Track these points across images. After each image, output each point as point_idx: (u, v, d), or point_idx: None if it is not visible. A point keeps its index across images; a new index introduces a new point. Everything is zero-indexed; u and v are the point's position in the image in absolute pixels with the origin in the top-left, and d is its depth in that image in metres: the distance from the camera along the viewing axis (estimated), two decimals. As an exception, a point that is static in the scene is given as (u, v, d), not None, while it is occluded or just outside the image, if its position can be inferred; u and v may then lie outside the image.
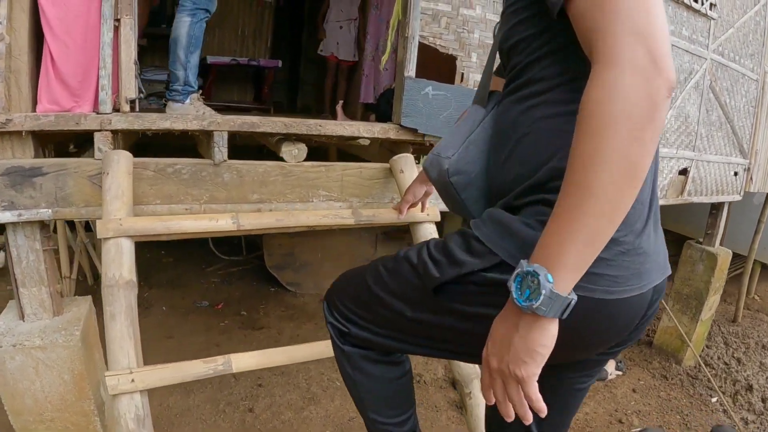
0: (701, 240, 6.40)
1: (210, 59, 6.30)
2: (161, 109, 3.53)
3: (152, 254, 6.94)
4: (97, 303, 2.63)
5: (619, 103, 0.91)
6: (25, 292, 2.71)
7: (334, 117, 6.05)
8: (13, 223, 2.59)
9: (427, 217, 2.78)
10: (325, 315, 1.68)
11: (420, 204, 2.61)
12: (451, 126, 3.04)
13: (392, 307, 1.43)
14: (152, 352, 4.47)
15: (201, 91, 6.32)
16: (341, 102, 4.06)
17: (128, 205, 2.38)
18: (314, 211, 2.61)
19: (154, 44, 5.98)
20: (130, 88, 2.66)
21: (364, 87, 5.92)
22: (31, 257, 2.68)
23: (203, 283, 6.34)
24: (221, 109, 6.10)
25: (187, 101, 3.25)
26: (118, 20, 2.59)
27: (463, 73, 3.26)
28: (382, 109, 4.08)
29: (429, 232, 2.78)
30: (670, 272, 1.26)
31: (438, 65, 3.10)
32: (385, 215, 2.73)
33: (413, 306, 1.38)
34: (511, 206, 1.24)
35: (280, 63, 6.71)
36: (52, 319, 2.77)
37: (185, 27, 3.23)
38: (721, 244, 6.46)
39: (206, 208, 2.78)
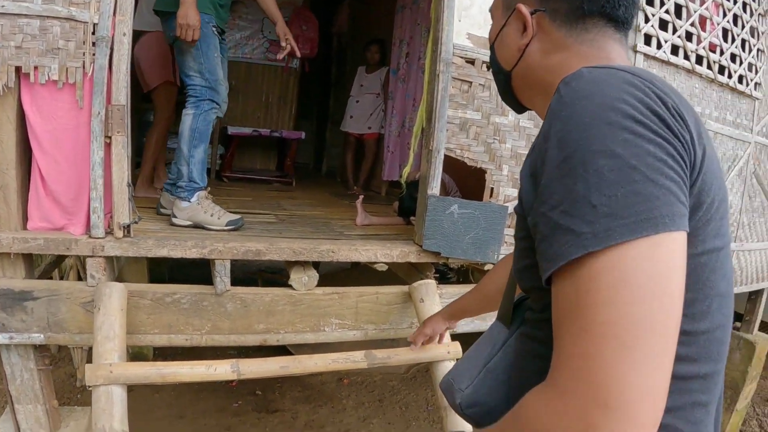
0: (738, 326, 6.03)
1: (231, 130, 6.12)
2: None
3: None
4: None
5: None
6: (20, 408, 2.63)
7: (357, 189, 5.96)
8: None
9: (448, 355, 2.53)
10: None
11: (438, 337, 2.37)
12: (478, 246, 2.80)
13: None
14: (164, 435, 4.21)
15: (220, 163, 6.25)
16: (361, 197, 3.82)
17: (121, 348, 2.22)
18: (323, 355, 2.37)
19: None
20: (124, 212, 2.46)
21: (389, 164, 5.71)
22: (26, 376, 2.58)
23: (219, 355, 6.10)
24: (240, 180, 6.07)
25: (194, 199, 3.04)
26: (109, 137, 2.41)
27: (492, 188, 3.00)
28: (406, 204, 3.85)
29: (451, 371, 2.51)
30: None
31: (463, 176, 2.85)
32: (403, 355, 2.48)
33: None
34: None
35: (303, 135, 6.51)
36: (48, 437, 2.69)
37: (188, 120, 3.05)
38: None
39: (208, 339, 2.58)
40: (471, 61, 2.90)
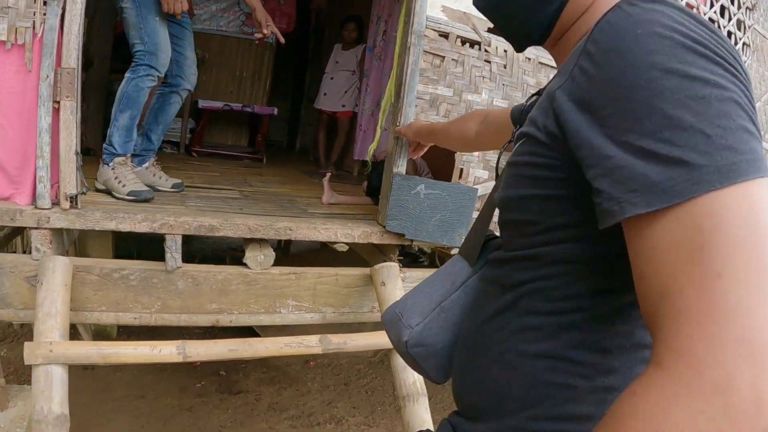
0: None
1: (201, 103, 5.95)
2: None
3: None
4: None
5: None
6: None
7: (329, 168, 5.77)
8: (-52, 317, 2.39)
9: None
10: None
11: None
12: (444, 229, 2.68)
13: None
14: (123, 413, 4.18)
15: (190, 137, 6.08)
16: (329, 175, 3.70)
17: (63, 326, 2.12)
18: (274, 339, 2.26)
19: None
20: (71, 182, 2.33)
21: (360, 142, 5.57)
22: None
23: (184, 334, 5.96)
24: (210, 155, 5.91)
25: (111, 163, 2.94)
26: (57, 102, 2.27)
27: (462, 169, 2.87)
28: (374, 184, 3.73)
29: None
30: None
31: (432, 158, 2.74)
32: (360, 341, 2.38)
33: None
34: None
35: (275, 110, 6.35)
36: (-5, 415, 2.63)
37: (121, 84, 2.94)
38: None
39: (158, 318, 2.46)
40: (444, 35, 2.76)
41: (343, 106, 6.00)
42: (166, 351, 2.11)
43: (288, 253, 5.79)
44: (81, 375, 4.48)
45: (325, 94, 6.08)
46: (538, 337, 0.89)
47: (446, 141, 2.19)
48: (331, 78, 6.07)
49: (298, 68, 8.46)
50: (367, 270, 2.72)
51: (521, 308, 0.92)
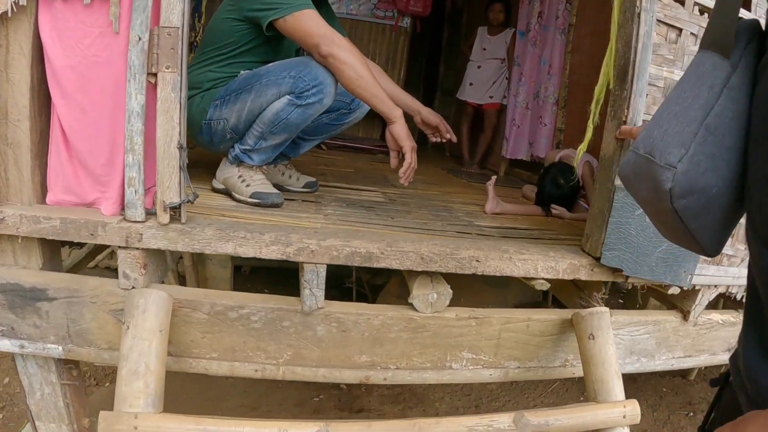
0: None
1: (331, 92, 5.45)
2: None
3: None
4: None
5: None
6: (41, 426, 2.06)
7: (473, 166, 5.34)
8: (20, 352, 1.93)
9: (624, 420, 1.76)
10: None
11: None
12: (669, 263, 1.95)
13: None
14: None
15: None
16: (494, 178, 3.06)
17: (154, 390, 1.54)
18: (455, 419, 1.62)
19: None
20: (172, 187, 1.71)
21: (513, 139, 4.89)
22: (47, 390, 1.98)
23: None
24: (340, 148, 5.38)
25: (236, 164, 2.43)
26: (154, 75, 1.66)
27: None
28: (547, 190, 3.05)
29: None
30: None
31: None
32: (565, 419, 1.69)
33: None
34: None
35: (411, 101, 5.79)
36: (75, 465, 2.14)
37: (281, 104, 2.27)
38: None
39: (286, 371, 1.86)
40: (680, 0, 2.01)
41: (491, 97, 5.34)
42: (302, 435, 1.50)
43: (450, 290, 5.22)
44: (194, 378, 4.09)
45: (470, 84, 5.47)
46: None
47: None
48: (478, 66, 5.43)
49: (431, 56, 7.83)
50: (566, 314, 2.01)
51: None
